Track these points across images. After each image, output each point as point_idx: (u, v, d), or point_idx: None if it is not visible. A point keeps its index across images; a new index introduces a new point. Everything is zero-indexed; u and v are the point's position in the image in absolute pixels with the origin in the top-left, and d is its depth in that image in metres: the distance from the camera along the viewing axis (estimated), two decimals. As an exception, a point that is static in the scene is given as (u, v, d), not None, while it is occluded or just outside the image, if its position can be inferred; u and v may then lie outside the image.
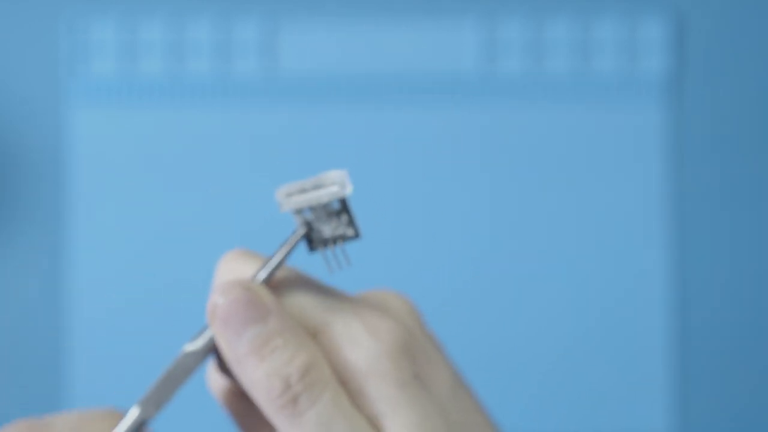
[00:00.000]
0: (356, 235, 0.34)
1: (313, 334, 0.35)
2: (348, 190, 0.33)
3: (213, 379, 0.39)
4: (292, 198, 0.34)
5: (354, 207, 0.36)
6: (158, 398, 0.36)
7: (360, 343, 0.35)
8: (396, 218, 0.76)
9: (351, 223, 0.34)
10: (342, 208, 0.34)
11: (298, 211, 0.34)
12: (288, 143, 0.76)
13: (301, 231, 0.34)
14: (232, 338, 0.35)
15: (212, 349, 0.36)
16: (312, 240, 0.35)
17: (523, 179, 0.77)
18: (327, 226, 0.34)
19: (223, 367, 0.37)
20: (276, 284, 0.35)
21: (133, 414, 0.35)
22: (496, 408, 0.75)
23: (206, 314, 0.35)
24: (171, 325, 0.65)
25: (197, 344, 0.36)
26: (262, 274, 0.35)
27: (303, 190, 0.34)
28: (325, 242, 0.35)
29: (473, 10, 0.78)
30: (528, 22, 0.78)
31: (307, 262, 0.37)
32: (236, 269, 0.36)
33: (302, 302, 0.35)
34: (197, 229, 0.68)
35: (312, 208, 0.34)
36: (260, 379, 0.34)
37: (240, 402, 0.39)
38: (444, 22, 0.77)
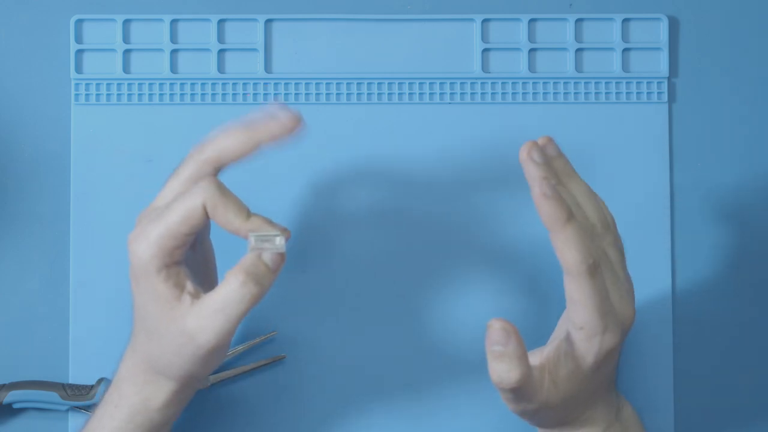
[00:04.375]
0: None
1: None
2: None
3: None
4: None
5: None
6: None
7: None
8: (398, 219, 0.76)
9: None
10: None
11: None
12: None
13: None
14: None
15: None
16: None
17: (520, 180, 0.77)
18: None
19: None
20: None
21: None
22: (497, 406, 0.76)
23: None
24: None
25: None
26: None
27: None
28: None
29: (473, 12, 0.78)
30: (527, 24, 0.78)
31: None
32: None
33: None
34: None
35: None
36: None
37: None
38: (444, 22, 0.78)
